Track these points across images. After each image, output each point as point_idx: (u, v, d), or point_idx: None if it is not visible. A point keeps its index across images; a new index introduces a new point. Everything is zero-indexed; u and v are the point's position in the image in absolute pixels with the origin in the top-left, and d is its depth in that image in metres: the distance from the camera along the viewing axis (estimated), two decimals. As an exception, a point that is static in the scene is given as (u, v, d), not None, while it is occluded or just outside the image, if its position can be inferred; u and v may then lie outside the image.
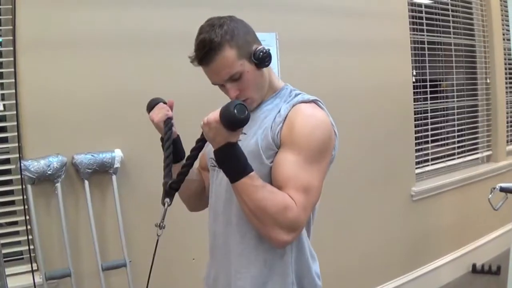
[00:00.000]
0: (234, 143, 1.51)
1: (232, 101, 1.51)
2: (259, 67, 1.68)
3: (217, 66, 1.61)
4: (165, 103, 1.84)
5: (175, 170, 1.74)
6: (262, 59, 1.67)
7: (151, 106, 1.84)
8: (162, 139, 1.79)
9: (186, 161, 1.72)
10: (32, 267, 2.46)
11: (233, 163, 1.52)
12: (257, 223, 1.56)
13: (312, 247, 1.79)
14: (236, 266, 1.70)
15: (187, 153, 1.77)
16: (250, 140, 1.66)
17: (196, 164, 1.96)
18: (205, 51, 1.59)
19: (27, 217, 2.50)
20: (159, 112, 1.79)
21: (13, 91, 2.45)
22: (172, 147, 1.77)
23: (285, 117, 1.62)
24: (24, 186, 2.46)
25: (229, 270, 1.73)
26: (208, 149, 1.81)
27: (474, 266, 4.78)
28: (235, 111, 1.44)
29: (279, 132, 1.61)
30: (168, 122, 1.78)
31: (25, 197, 2.47)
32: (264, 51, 1.67)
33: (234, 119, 1.44)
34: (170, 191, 1.68)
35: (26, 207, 2.49)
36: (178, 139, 1.85)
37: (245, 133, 1.69)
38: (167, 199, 1.67)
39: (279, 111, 1.66)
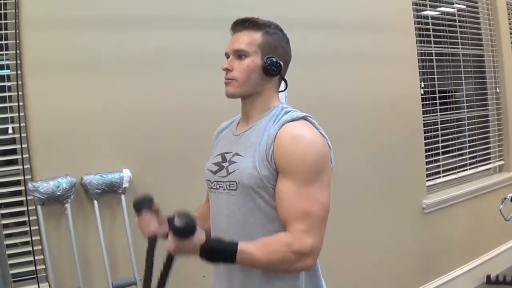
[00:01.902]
0: (205, 243, 1.53)
1: (169, 217, 1.59)
2: (264, 72, 1.73)
3: (240, 36, 1.73)
4: (149, 207, 1.82)
5: None
6: (270, 65, 1.72)
7: (136, 207, 1.84)
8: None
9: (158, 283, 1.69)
10: (38, 286, 2.49)
11: (219, 256, 1.57)
12: (279, 271, 1.64)
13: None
14: (241, 285, 1.72)
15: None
16: (248, 162, 1.67)
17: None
18: (244, 19, 1.74)
19: (37, 237, 2.53)
20: (145, 227, 1.80)
21: (22, 114, 2.49)
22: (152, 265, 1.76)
23: (274, 138, 1.64)
24: (34, 207, 2.50)
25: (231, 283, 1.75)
26: (205, 171, 1.84)
27: (488, 277, 4.74)
28: (176, 223, 1.48)
29: (272, 156, 1.62)
30: (152, 242, 1.78)
31: (34, 217, 2.51)
32: (277, 63, 1.74)
33: (179, 229, 1.49)
34: None
35: (36, 227, 2.52)
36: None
37: (241, 155, 1.71)
38: None
39: (269, 134, 1.66)
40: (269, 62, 1.72)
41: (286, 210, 1.59)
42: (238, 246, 1.53)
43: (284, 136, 1.63)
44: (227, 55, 1.76)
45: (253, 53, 1.71)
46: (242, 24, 1.73)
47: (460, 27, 4.78)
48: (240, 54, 1.71)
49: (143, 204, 1.82)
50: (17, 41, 2.48)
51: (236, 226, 1.69)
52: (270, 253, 1.54)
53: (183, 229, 1.49)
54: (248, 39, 1.71)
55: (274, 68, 1.73)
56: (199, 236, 1.53)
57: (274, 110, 1.76)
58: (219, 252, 1.55)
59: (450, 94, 4.74)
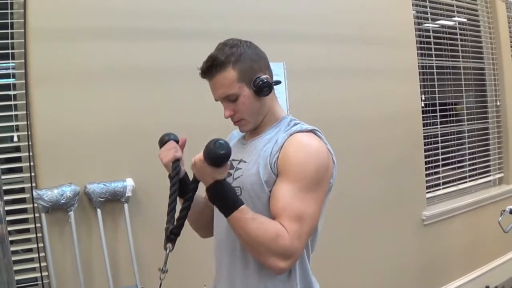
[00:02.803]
0: (221, 181, 1.56)
1: (212, 139, 1.54)
2: (258, 95, 1.73)
3: (216, 82, 1.70)
4: (177, 140, 1.85)
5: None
6: (260, 88, 1.72)
7: (162, 142, 1.85)
8: (169, 176, 1.79)
9: (183, 204, 1.74)
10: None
11: (222, 200, 1.57)
12: (253, 252, 1.62)
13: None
14: None
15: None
16: (252, 168, 1.70)
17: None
18: (208, 65, 1.68)
19: (41, 245, 2.55)
20: (168, 154, 1.79)
21: (28, 122, 2.51)
22: (178, 191, 1.77)
23: (281, 146, 1.66)
24: (38, 214, 2.52)
25: None
26: None
27: (487, 288, 4.76)
28: (215, 148, 1.51)
29: (276, 161, 1.65)
30: (176, 165, 1.77)
31: (39, 225, 2.53)
32: (265, 81, 1.72)
33: (215, 155, 1.51)
34: (171, 236, 1.69)
35: (40, 234, 2.54)
36: (186, 176, 1.84)
37: (246, 161, 1.74)
38: (169, 245, 1.68)
39: (277, 141, 1.69)
40: (258, 85, 1.71)
41: (280, 206, 1.59)
42: (243, 206, 1.56)
43: (292, 143, 1.65)
44: (217, 100, 1.76)
45: (239, 89, 1.69)
46: (210, 71, 1.69)
47: (461, 40, 4.81)
48: (230, 98, 1.71)
49: (169, 137, 1.84)
50: (25, 50, 2.51)
51: None
52: (260, 231, 1.55)
53: (220, 156, 1.52)
54: (227, 81, 1.68)
55: (265, 88, 1.73)
56: (221, 172, 1.56)
57: (283, 121, 1.80)
58: (226, 195, 1.56)
59: (451, 106, 4.76)
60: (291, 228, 1.55)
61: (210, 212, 1.97)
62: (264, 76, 1.73)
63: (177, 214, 1.72)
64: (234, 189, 1.61)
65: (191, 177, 1.75)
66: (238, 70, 1.68)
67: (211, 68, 1.67)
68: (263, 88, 1.72)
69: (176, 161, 1.78)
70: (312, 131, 1.73)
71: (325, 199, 1.71)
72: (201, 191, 1.76)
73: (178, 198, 1.77)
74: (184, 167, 1.83)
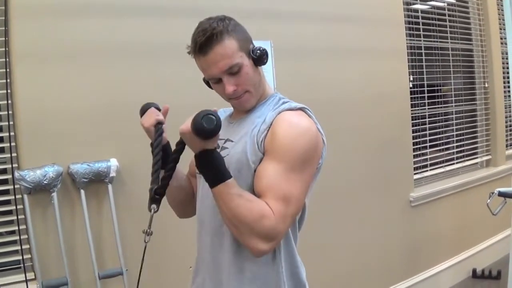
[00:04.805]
0: (211, 150, 1.51)
1: (201, 111, 1.47)
2: (257, 65, 1.68)
3: (216, 55, 1.58)
4: (158, 109, 1.82)
5: None
6: (260, 56, 1.66)
7: (143, 110, 1.82)
8: (151, 144, 1.76)
9: (168, 165, 1.71)
10: (26, 277, 2.47)
11: (210, 169, 1.52)
12: (235, 231, 1.56)
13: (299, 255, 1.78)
14: (225, 274, 1.69)
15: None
16: (238, 147, 1.65)
17: (186, 170, 1.97)
18: (207, 36, 1.56)
19: (23, 227, 2.52)
20: (150, 117, 1.76)
21: (9, 101, 2.47)
22: (162, 153, 1.73)
23: (270, 125, 1.61)
24: (20, 196, 2.48)
25: (218, 279, 1.71)
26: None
27: (474, 271, 4.78)
28: (203, 122, 1.44)
29: (263, 140, 1.60)
30: (158, 128, 1.74)
31: (21, 206, 2.49)
32: (262, 49, 1.67)
33: (203, 130, 1.45)
34: (155, 197, 1.66)
35: (22, 216, 2.50)
36: (168, 145, 1.80)
37: (232, 141, 1.69)
38: (154, 205, 1.66)
39: (265, 119, 1.64)
40: (257, 54, 1.66)
41: (265, 185, 1.55)
42: (230, 180, 1.51)
43: (281, 122, 1.60)
44: (213, 80, 1.67)
45: (241, 58, 1.62)
46: (210, 43, 1.57)
47: (449, 21, 4.79)
48: (233, 69, 1.61)
49: (150, 105, 1.82)
50: (6, 28, 2.45)
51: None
52: (245, 209, 1.49)
53: (208, 131, 1.46)
54: (229, 51, 1.59)
55: (264, 56, 1.68)
56: (213, 141, 1.51)
57: (271, 99, 1.74)
58: (215, 166, 1.51)
59: (439, 88, 4.75)
60: (277, 209, 1.51)
61: (190, 190, 1.95)
62: (258, 45, 1.68)
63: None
64: (224, 161, 1.55)
65: (173, 148, 1.73)
66: (236, 39, 1.61)
67: (210, 39, 1.56)
68: (262, 57, 1.67)
69: (159, 124, 1.75)
70: (301, 109, 1.68)
71: (313, 180, 1.67)
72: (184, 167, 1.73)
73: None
74: (166, 135, 1.78)
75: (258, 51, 1.66)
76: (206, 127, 1.44)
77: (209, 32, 1.56)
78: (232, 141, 1.70)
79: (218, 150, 1.68)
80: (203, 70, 1.65)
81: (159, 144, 1.73)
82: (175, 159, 1.72)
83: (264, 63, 1.70)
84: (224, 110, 1.95)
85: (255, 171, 1.60)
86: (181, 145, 1.71)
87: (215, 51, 1.57)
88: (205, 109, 1.47)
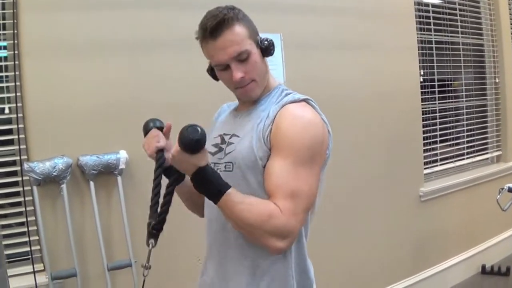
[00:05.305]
0: (203, 167, 1.50)
1: (185, 126, 1.48)
2: (264, 55, 1.67)
3: (226, 40, 1.57)
4: (160, 128, 1.79)
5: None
6: (267, 47, 1.65)
7: (145, 129, 1.80)
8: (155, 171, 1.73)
9: (164, 198, 1.68)
10: (34, 268, 2.49)
11: (207, 186, 1.51)
12: (249, 235, 1.56)
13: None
14: (233, 270, 1.69)
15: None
16: (244, 143, 1.63)
17: None
18: (218, 21, 1.55)
19: (32, 218, 2.53)
20: (150, 144, 1.74)
21: (18, 94, 2.47)
22: (168, 174, 1.71)
23: (273, 119, 1.59)
24: (30, 188, 2.49)
25: (226, 275, 1.71)
26: None
27: (483, 267, 4.75)
28: (188, 134, 1.44)
29: (269, 135, 1.58)
30: (159, 156, 1.71)
31: (30, 198, 2.50)
32: (270, 40, 1.66)
33: (189, 141, 1.44)
34: (153, 232, 1.65)
35: (32, 208, 2.52)
36: (171, 168, 1.72)
37: (238, 136, 1.68)
38: (152, 240, 1.65)
39: (268, 114, 1.62)
40: (265, 44, 1.65)
41: (274, 184, 1.53)
42: (230, 189, 1.50)
43: (284, 115, 1.58)
44: (220, 66, 1.64)
45: (250, 46, 1.60)
46: (220, 28, 1.55)
47: (460, 15, 4.75)
48: (242, 56, 1.59)
49: (150, 125, 1.78)
50: (15, 21, 2.46)
51: None
52: (252, 213, 1.49)
53: (195, 141, 1.45)
54: (238, 37, 1.57)
55: (271, 47, 1.67)
56: (201, 158, 1.50)
57: (274, 91, 1.72)
58: (212, 181, 1.50)
59: (449, 82, 4.72)
60: (285, 206, 1.49)
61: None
62: (265, 36, 1.67)
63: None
64: (219, 174, 1.55)
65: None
66: (246, 27, 1.61)
67: (221, 24, 1.55)
68: (269, 47, 1.66)
69: (160, 152, 1.72)
70: (304, 100, 1.66)
71: (321, 172, 1.65)
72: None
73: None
74: (170, 156, 1.73)
75: (266, 42, 1.65)
76: (193, 138, 1.44)
77: (220, 17, 1.55)
78: (238, 136, 1.68)
79: (224, 145, 1.70)
80: (211, 57, 1.63)
81: (158, 176, 1.71)
82: (170, 192, 1.69)
83: (271, 54, 1.68)
84: (228, 105, 1.94)
85: (263, 167, 1.59)
86: (176, 174, 1.67)
87: (225, 36, 1.56)
88: (186, 125, 1.48)
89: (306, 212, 1.58)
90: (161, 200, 1.70)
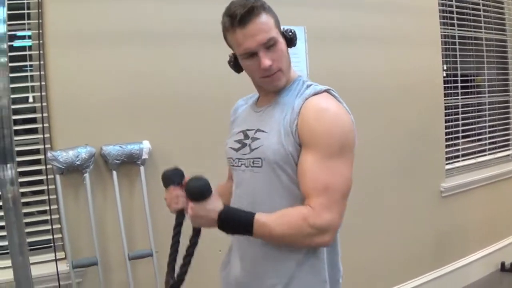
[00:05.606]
0: (222, 210, 1.52)
1: (186, 182, 1.55)
2: (289, 45, 1.69)
3: (254, 28, 1.58)
4: (181, 180, 1.73)
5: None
6: (292, 38, 1.68)
7: (164, 182, 1.78)
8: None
9: (184, 260, 1.65)
10: (55, 256, 2.50)
11: (236, 226, 1.55)
12: (293, 243, 1.60)
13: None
14: (263, 269, 1.70)
15: None
16: (273, 138, 1.64)
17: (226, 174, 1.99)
18: (247, 9, 1.56)
19: (55, 206, 2.54)
20: (170, 205, 1.75)
21: (43, 83, 2.49)
22: (179, 236, 1.73)
23: (298, 113, 1.60)
24: (53, 176, 2.51)
25: (253, 271, 1.73)
26: (227, 149, 1.82)
27: (503, 264, 4.70)
28: (193, 184, 1.51)
29: (296, 130, 1.59)
30: (179, 216, 1.74)
31: (53, 186, 2.52)
32: (293, 30, 1.69)
33: (197, 187, 1.50)
34: None
35: (54, 196, 2.53)
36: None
37: (264, 131, 1.68)
38: None
39: (293, 108, 1.63)
40: (289, 34, 1.68)
41: (307, 182, 1.55)
42: (255, 216, 1.52)
43: (309, 110, 1.59)
44: (247, 53, 1.63)
45: (277, 34, 1.63)
46: (249, 15, 1.56)
47: (484, 10, 4.70)
48: (270, 43, 1.60)
49: (173, 179, 1.74)
50: (40, 10, 2.47)
51: (260, 204, 1.65)
52: (286, 225, 1.52)
53: (198, 190, 1.49)
54: (265, 26, 1.59)
55: (295, 38, 1.69)
56: (216, 202, 1.52)
57: (295, 84, 1.73)
58: (236, 220, 1.54)
59: (472, 78, 4.68)
60: (317, 202, 1.52)
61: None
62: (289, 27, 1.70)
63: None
64: (238, 209, 1.60)
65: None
66: (272, 17, 1.64)
67: (251, 11, 1.56)
68: (294, 38, 1.69)
69: (180, 212, 1.73)
70: (326, 91, 1.67)
71: (352, 160, 1.64)
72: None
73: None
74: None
75: (290, 33, 1.68)
76: (198, 184, 1.50)
77: (249, 6, 1.57)
78: (264, 131, 1.68)
79: (249, 141, 1.71)
80: (239, 45, 1.63)
81: (176, 234, 1.73)
82: (191, 253, 1.65)
83: (295, 45, 1.71)
84: (244, 99, 1.96)
85: (296, 164, 1.61)
86: (196, 237, 1.64)
87: (255, 23, 1.58)
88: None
89: (342, 201, 1.58)
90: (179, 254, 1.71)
